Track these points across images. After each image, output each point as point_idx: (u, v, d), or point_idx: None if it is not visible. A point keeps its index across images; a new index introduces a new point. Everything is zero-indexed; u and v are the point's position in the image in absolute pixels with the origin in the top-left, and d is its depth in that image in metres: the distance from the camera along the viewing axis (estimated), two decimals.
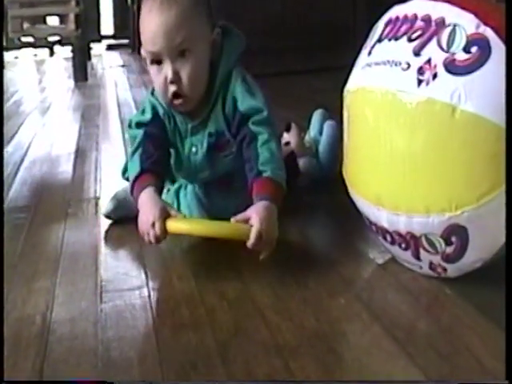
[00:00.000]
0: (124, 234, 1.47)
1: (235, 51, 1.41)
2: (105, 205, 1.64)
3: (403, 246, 1.15)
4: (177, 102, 1.36)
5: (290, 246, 1.39)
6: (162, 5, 1.32)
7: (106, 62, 5.44)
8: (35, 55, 6.09)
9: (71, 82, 4.22)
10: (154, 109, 1.42)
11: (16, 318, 1.16)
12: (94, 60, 5.31)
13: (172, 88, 1.34)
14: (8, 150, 2.48)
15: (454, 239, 1.08)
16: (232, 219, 1.22)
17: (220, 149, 1.41)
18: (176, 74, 1.32)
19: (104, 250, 1.46)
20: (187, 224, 1.24)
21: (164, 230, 1.22)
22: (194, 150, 1.42)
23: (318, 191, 1.69)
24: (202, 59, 1.36)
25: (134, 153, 1.39)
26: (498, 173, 1.03)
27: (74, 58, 4.23)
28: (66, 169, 2.16)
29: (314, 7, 3.80)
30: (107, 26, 6.50)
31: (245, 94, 1.37)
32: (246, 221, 1.21)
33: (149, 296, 1.21)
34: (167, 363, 0.99)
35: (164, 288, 1.24)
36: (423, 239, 1.11)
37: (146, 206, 1.26)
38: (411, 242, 1.13)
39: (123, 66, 5.03)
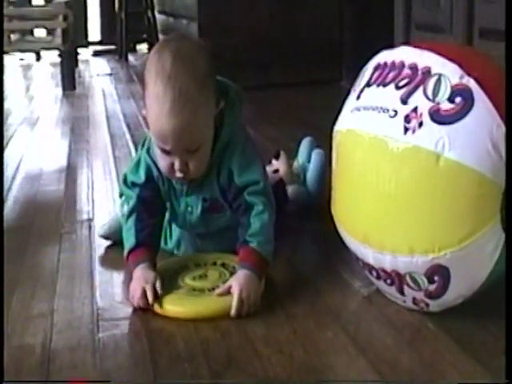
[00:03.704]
0: (118, 259, 1.49)
1: (236, 120, 1.41)
2: (99, 225, 1.68)
3: (388, 281, 1.20)
4: (180, 180, 1.39)
5: (277, 274, 1.43)
6: (174, 104, 1.26)
7: (94, 69, 5.45)
8: (21, 59, 6.08)
9: (59, 91, 4.23)
10: (148, 170, 1.43)
11: (16, 346, 1.20)
12: (81, 66, 5.31)
13: (179, 174, 1.34)
14: None
15: (436, 278, 1.13)
16: (215, 291, 1.29)
17: (214, 211, 1.44)
18: (184, 165, 1.33)
19: (99, 275, 1.50)
20: (174, 307, 1.28)
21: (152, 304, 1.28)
22: (189, 209, 1.45)
23: (305, 218, 1.73)
24: (209, 145, 1.36)
25: (128, 216, 1.42)
26: (478, 217, 1.09)
27: (62, 67, 4.25)
28: (58, 187, 2.18)
29: (302, 23, 3.85)
30: (94, 31, 6.50)
31: (242, 167, 1.38)
32: (228, 291, 1.27)
33: (144, 325, 1.25)
34: None
35: (158, 318, 1.27)
36: (407, 277, 1.16)
37: (138, 280, 1.32)
38: (396, 278, 1.18)
39: (110, 74, 5.05)
